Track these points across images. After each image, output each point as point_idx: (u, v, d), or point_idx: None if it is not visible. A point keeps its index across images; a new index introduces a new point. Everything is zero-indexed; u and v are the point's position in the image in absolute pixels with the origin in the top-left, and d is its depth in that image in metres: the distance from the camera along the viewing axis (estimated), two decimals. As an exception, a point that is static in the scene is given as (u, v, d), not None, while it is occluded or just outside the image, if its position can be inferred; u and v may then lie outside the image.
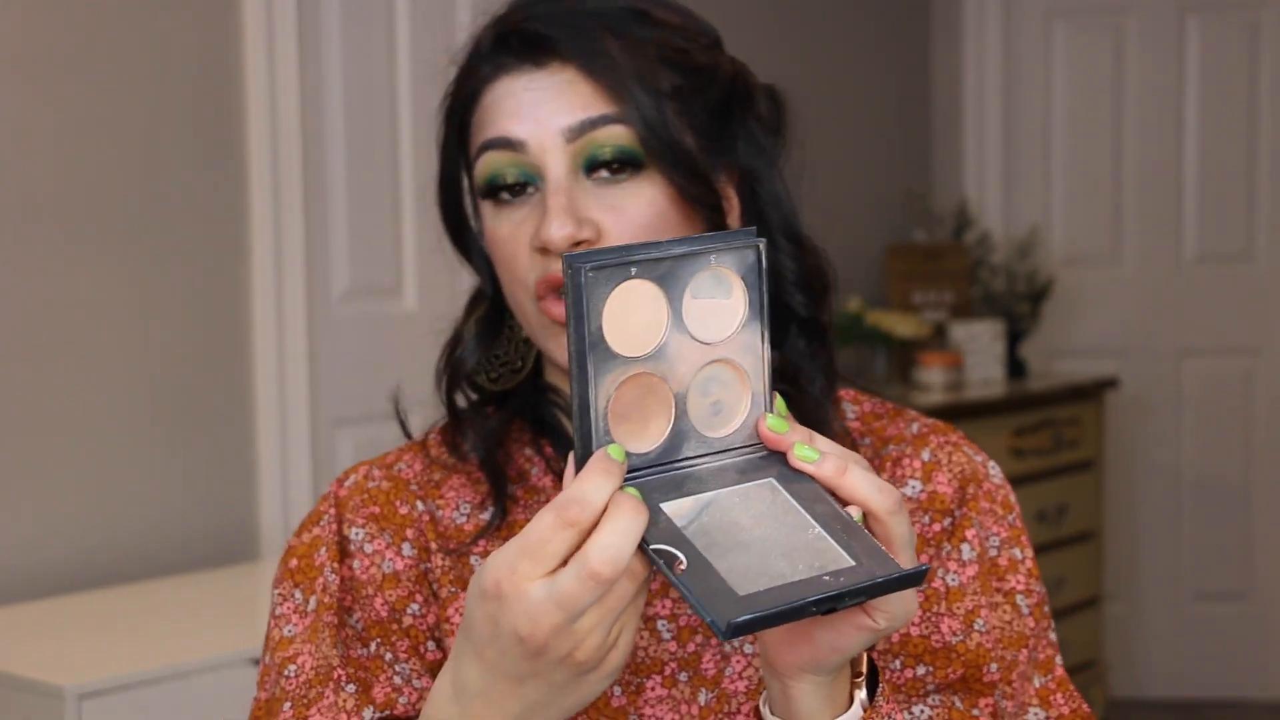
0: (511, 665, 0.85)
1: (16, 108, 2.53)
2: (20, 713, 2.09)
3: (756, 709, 0.97)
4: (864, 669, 0.96)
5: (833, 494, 0.87)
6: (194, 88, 2.76)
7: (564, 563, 0.83)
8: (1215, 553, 4.52)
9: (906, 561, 0.86)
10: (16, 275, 2.53)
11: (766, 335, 0.88)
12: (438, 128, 1.17)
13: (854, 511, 0.86)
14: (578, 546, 0.82)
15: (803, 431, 0.88)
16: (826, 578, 0.81)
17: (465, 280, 3.44)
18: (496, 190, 1.11)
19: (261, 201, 2.85)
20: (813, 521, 0.84)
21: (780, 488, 0.86)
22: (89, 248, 2.62)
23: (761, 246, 0.87)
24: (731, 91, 1.13)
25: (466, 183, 1.17)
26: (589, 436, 0.84)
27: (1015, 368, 4.25)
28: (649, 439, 0.86)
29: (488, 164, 1.10)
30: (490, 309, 1.20)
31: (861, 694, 0.94)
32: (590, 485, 0.82)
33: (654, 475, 0.86)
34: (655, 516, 0.83)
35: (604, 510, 0.82)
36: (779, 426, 0.88)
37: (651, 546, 0.82)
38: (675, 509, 0.84)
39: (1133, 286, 4.54)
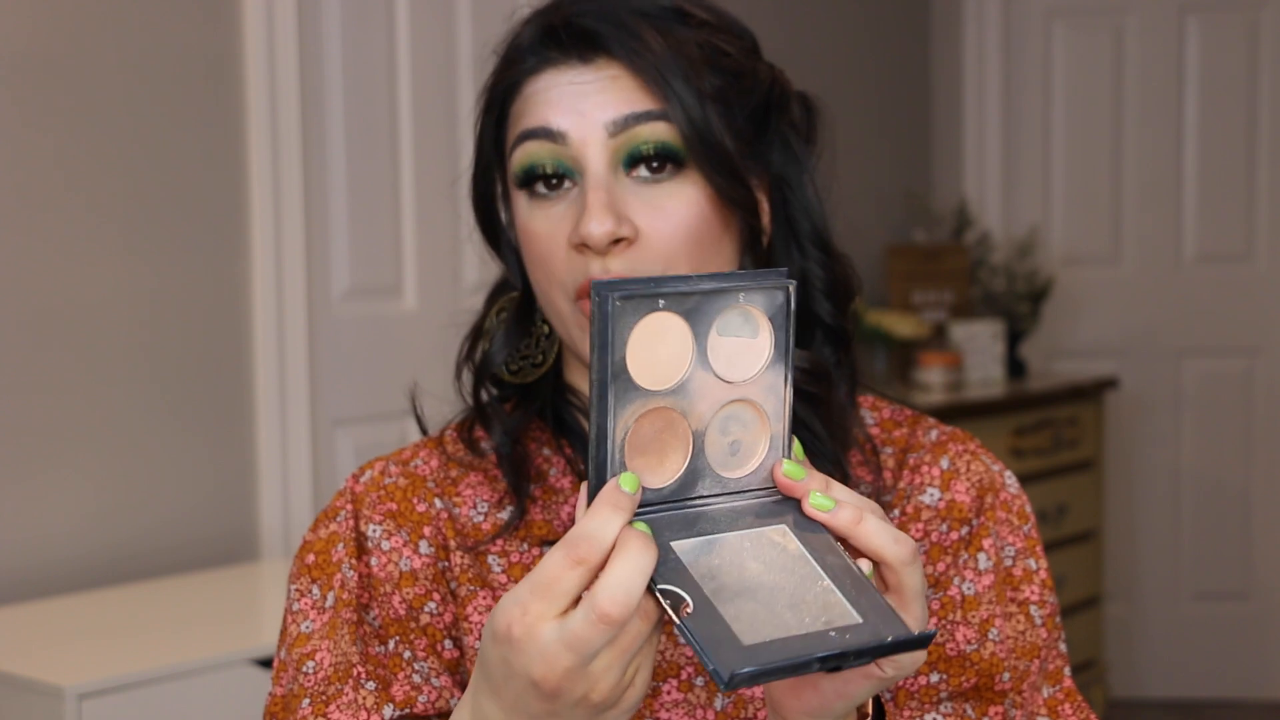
0: (527, 705, 0.84)
1: (16, 108, 2.52)
2: (20, 713, 2.09)
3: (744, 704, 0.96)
4: (870, 710, 0.95)
5: (846, 543, 0.85)
6: (194, 87, 2.76)
7: (575, 602, 0.81)
8: (1215, 553, 4.52)
9: (918, 613, 0.85)
10: (15, 276, 2.53)
11: (790, 378, 0.87)
12: (475, 118, 1.16)
13: (864, 565, 0.84)
14: (589, 584, 0.81)
15: (819, 479, 0.87)
16: (833, 634, 0.80)
17: (468, 279, 3.44)
18: (533, 180, 1.10)
19: (261, 201, 2.84)
20: (823, 573, 0.83)
21: (793, 535, 0.85)
22: (88, 248, 2.62)
23: (791, 289, 0.86)
24: (769, 97, 1.13)
25: (500, 175, 1.16)
26: (604, 466, 0.82)
27: (1015, 368, 4.25)
28: (664, 474, 0.85)
29: (526, 153, 1.09)
30: (520, 302, 1.18)
31: None
32: (599, 521, 0.80)
33: (667, 512, 0.85)
34: (664, 555, 0.82)
35: (613, 546, 0.81)
36: (795, 473, 0.86)
37: (658, 587, 0.80)
38: (685, 549, 0.83)
39: (1133, 286, 4.54)
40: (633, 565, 0.79)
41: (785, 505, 0.86)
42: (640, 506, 0.83)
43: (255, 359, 2.86)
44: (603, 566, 0.80)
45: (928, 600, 0.86)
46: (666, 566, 0.81)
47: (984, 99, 4.54)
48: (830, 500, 0.85)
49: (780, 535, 0.85)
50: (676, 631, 0.80)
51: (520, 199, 1.11)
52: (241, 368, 2.84)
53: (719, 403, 0.85)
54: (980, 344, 4.10)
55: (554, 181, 1.09)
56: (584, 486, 0.84)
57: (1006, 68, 4.54)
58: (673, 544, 0.82)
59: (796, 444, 0.88)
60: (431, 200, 3.11)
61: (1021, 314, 4.31)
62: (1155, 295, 4.53)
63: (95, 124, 2.62)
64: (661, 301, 0.82)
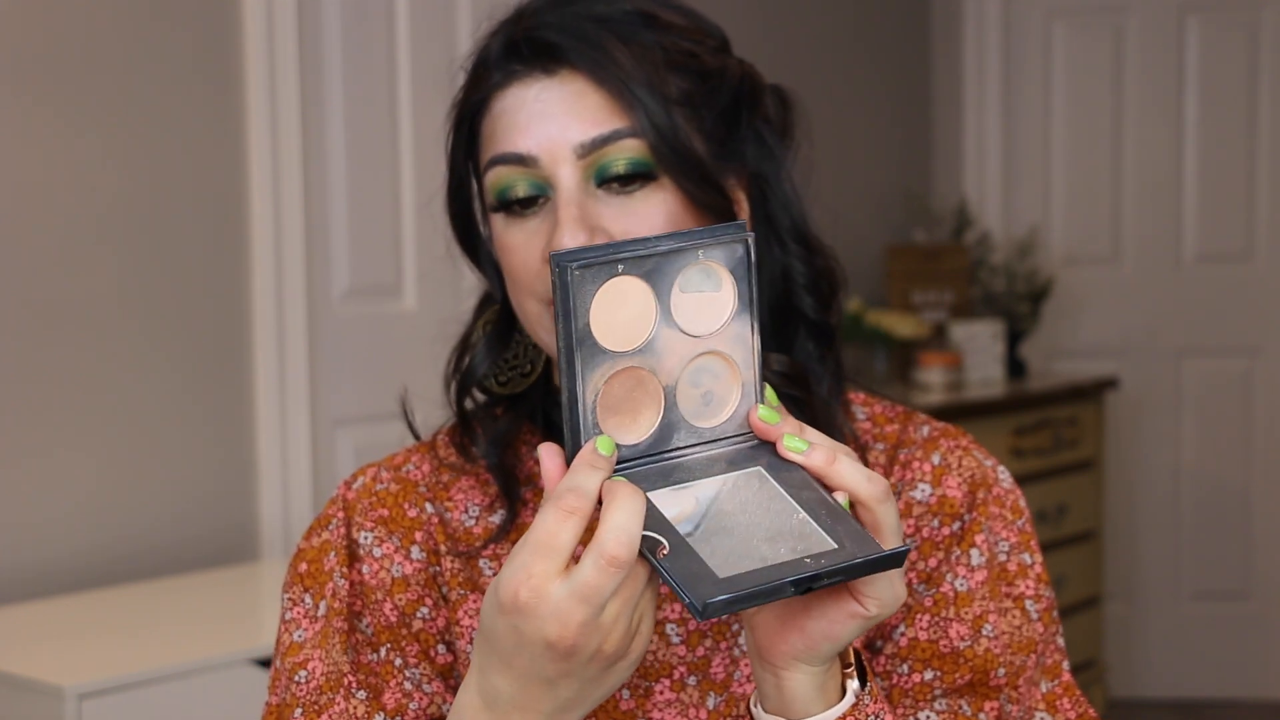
0: (543, 669, 0.87)
1: (17, 107, 2.53)
2: (20, 713, 2.09)
3: (748, 708, 0.96)
4: (852, 660, 0.96)
5: (821, 483, 0.89)
6: (194, 87, 2.76)
7: (574, 559, 0.84)
8: (1215, 553, 4.52)
9: (895, 545, 0.88)
10: (15, 276, 2.53)
11: (756, 327, 0.91)
12: (446, 134, 1.16)
13: (840, 498, 0.88)
14: (581, 535, 0.84)
15: (793, 423, 0.91)
16: (808, 560, 0.83)
17: (468, 280, 3.44)
18: (508, 204, 1.10)
19: (261, 201, 2.85)
20: (798, 507, 0.86)
21: (768, 476, 0.89)
22: (87, 247, 2.62)
23: (750, 240, 0.90)
24: (739, 94, 1.13)
25: (476, 189, 1.16)
26: (578, 429, 0.86)
27: (1015, 368, 4.25)
28: (639, 431, 0.88)
29: (498, 178, 1.09)
30: (501, 314, 1.19)
31: (854, 684, 0.95)
32: (581, 476, 0.85)
33: (643, 466, 0.88)
34: None
35: (599, 499, 0.85)
36: (770, 417, 0.90)
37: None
38: (661, 498, 0.86)
39: (1133, 286, 4.54)
40: (626, 508, 0.83)
41: (760, 450, 0.90)
42: (619, 462, 0.88)
43: (255, 359, 2.86)
44: (592, 518, 0.84)
45: (904, 536, 0.92)
46: (646, 515, 0.85)
47: (984, 99, 4.54)
48: (804, 442, 0.89)
49: (756, 477, 0.89)
50: (656, 572, 0.83)
51: (497, 218, 1.12)
52: (241, 368, 2.85)
53: (687, 357, 0.89)
54: (980, 344, 4.10)
55: (528, 201, 1.09)
56: (543, 449, 0.87)
57: (1006, 68, 4.54)
58: (649, 494, 0.86)
59: (769, 390, 0.91)
60: (433, 202, 3.11)
61: (1021, 314, 4.31)
62: (1155, 295, 4.53)
63: (95, 124, 2.62)
64: (620, 267, 0.86)
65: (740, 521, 0.86)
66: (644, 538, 0.84)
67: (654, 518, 0.85)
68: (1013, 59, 4.54)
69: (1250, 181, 4.47)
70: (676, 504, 0.86)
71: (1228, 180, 4.47)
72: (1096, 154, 4.54)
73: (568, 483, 0.85)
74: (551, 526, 0.84)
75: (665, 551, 0.83)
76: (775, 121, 1.16)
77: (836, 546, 0.84)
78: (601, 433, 0.86)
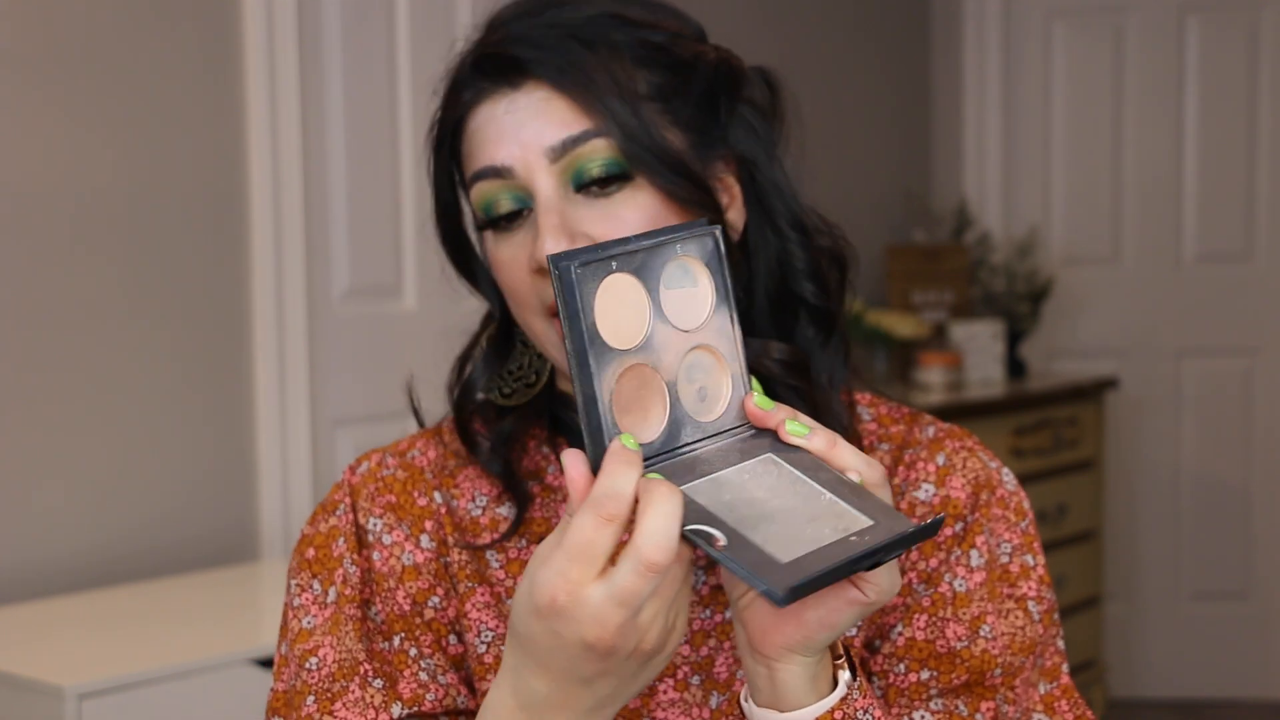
0: (581, 669, 0.87)
1: (17, 106, 2.53)
2: (20, 713, 2.09)
3: (737, 700, 0.97)
4: (842, 651, 0.96)
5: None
6: (194, 87, 2.76)
7: (611, 560, 0.84)
8: (1215, 553, 4.52)
9: None
10: (15, 276, 2.53)
11: (735, 317, 0.91)
12: (427, 158, 1.15)
13: (853, 475, 0.88)
14: (619, 540, 0.84)
15: (787, 409, 0.91)
16: (853, 538, 0.83)
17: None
18: (494, 220, 1.10)
19: (261, 201, 2.84)
20: (822, 489, 0.87)
21: (781, 461, 0.89)
22: (89, 248, 2.62)
23: (717, 233, 0.91)
24: (715, 81, 1.11)
25: (468, 206, 1.16)
26: (599, 430, 0.85)
27: (1015, 368, 4.25)
28: (650, 429, 0.88)
29: (480, 194, 1.10)
30: (499, 328, 1.19)
31: (845, 674, 0.95)
32: (618, 477, 0.84)
33: (665, 462, 0.88)
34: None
35: (635, 499, 0.84)
36: (765, 404, 0.91)
37: (687, 528, 0.83)
38: (695, 491, 0.86)
39: (1133, 286, 4.54)
40: (664, 510, 0.82)
41: (762, 437, 0.91)
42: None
43: (255, 359, 2.86)
44: (630, 521, 0.84)
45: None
46: (686, 510, 0.84)
47: (984, 99, 4.54)
48: (805, 426, 0.90)
49: (771, 463, 0.89)
50: (720, 564, 0.83)
51: (486, 235, 1.12)
52: (241, 367, 2.85)
53: (681, 352, 0.89)
54: (980, 344, 4.10)
55: (512, 215, 1.09)
56: (568, 455, 0.86)
57: (1006, 68, 4.54)
58: (683, 488, 0.85)
59: (754, 380, 0.92)
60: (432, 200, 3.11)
61: (1021, 314, 4.31)
62: (1155, 295, 4.53)
63: (95, 123, 2.62)
64: (614, 264, 0.86)
65: (776, 507, 0.85)
66: (696, 532, 0.83)
67: (697, 511, 0.84)
68: (1013, 59, 4.54)
69: (1250, 181, 4.47)
70: (710, 496, 0.86)
71: (1228, 180, 4.47)
72: (1096, 154, 4.54)
73: (605, 487, 0.84)
74: (590, 534, 0.84)
75: (722, 543, 0.82)
76: (762, 105, 1.14)
77: (872, 522, 0.84)
78: (620, 432, 0.86)
